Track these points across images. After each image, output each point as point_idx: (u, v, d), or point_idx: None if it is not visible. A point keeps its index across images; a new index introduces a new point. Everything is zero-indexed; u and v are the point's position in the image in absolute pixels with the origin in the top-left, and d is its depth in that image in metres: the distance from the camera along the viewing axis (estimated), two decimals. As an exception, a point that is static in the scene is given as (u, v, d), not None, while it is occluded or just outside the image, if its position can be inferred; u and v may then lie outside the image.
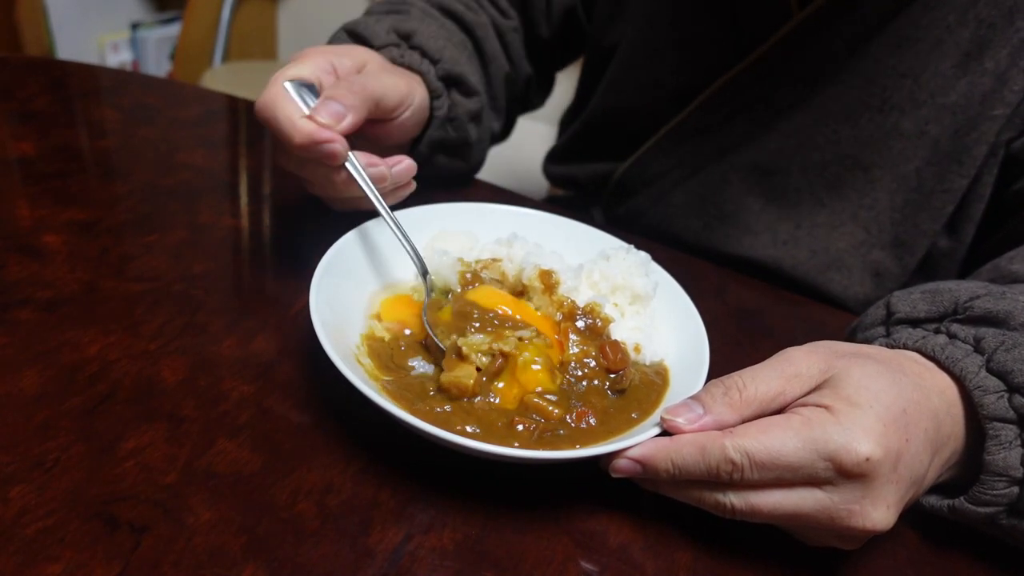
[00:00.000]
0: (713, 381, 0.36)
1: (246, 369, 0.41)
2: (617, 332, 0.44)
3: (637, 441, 0.35)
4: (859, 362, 0.34)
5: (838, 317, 0.57)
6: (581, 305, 0.44)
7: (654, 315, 0.46)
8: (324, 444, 0.37)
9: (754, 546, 0.37)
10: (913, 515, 0.39)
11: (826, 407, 0.33)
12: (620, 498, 0.37)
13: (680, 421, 0.35)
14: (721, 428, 0.34)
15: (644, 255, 0.47)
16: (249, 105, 0.72)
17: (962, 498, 0.36)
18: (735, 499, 0.34)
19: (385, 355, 0.41)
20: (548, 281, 0.44)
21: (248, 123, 0.71)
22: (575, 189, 0.80)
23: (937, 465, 0.35)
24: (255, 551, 0.32)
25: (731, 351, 0.49)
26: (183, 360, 0.40)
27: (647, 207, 0.68)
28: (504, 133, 0.76)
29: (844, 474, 0.32)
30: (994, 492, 0.35)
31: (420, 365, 0.41)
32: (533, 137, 1.25)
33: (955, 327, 0.38)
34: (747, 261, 0.62)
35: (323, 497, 0.35)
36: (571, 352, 0.41)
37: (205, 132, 0.66)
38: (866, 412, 0.32)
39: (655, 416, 0.38)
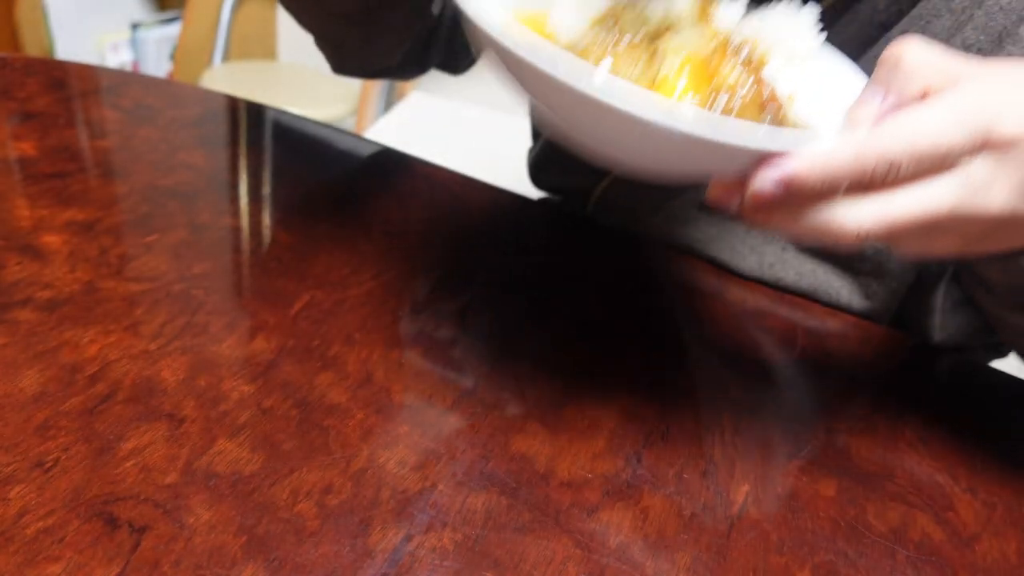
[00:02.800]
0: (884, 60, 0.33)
1: (246, 369, 0.41)
2: (773, 77, 0.38)
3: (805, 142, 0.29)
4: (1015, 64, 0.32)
5: (839, 317, 0.57)
6: (736, 38, 0.37)
7: (815, 76, 0.40)
8: (324, 444, 0.37)
9: (753, 547, 0.37)
10: (913, 515, 0.39)
11: (978, 81, 0.31)
12: (620, 498, 0.37)
13: (870, 112, 0.31)
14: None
15: (811, 13, 0.40)
16: (249, 105, 0.72)
17: None
18: (870, 210, 0.30)
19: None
20: (703, 9, 0.38)
21: (248, 123, 0.71)
22: (566, 196, 0.79)
23: None
24: (255, 551, 0.32)
25: (732, 354, 0.49)
26: (183, 360, 0.40)
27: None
28: (423, 57, 0.65)
29: (987, 147, 0.30)
30: None
31: None
32: (523, 135, 1.24)
33: None
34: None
35: (323, 497, 0.35)
36: (725, 78, 0.35)
37: (205, 132, 0.66)
38: (1020, 89, 0.30)
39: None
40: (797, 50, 0.39)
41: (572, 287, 0.54)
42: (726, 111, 0.34)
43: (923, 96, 0.32)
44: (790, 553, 0.36)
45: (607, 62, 0.35)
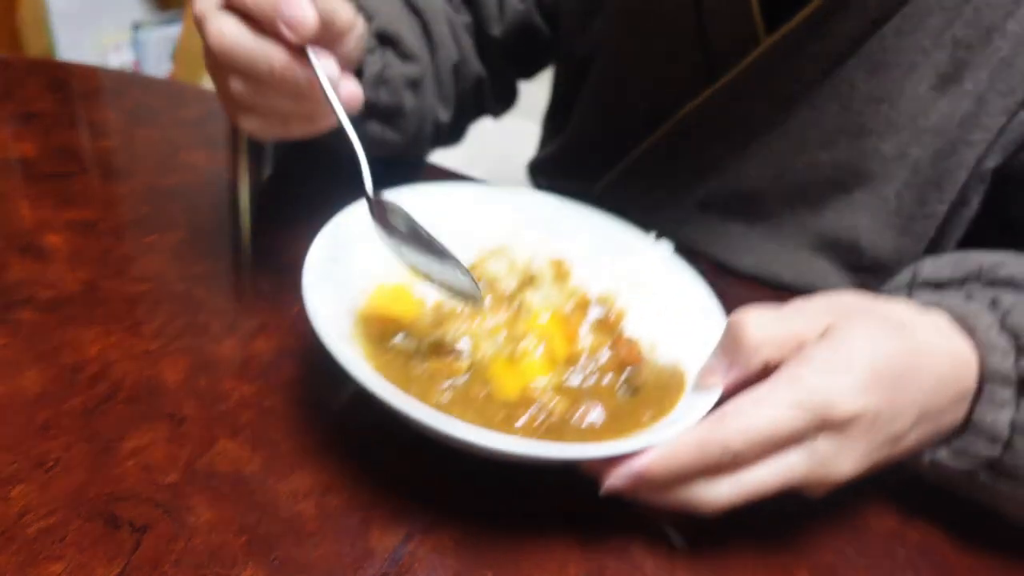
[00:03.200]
0: (721, 344, 0.36)
1: (246, 369, 0.41)
2: (632, 328, 0.42)
3: (649, 444, 0.33)
4: (864, 319, 0.34)
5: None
6: (594, 296, 0.41)
7: (673, 313, 0.44)
8: (324, 444, 0.37)
9: (753, 547, 0.37)
10: (913, 515, 0.39)
11: (814, 360, 0.33)
12: (620, 497, 0.37)
13: (719, 382, 0.35)
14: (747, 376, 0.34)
15: (667, 248, 0.45)
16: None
17: (942, 453, 0.36)
18: (727, 487, 0.33)
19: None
20: (560, 269, 0.42)
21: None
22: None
23: (926, 431, 0.35)
24: (255, 551, 0.32)
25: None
26: (184, 360, 0.41)
27: None
28: (455, 131, 0.71)
29: (826, 428, 0.32)
30: (974, 449, 0.35)
31: (401, 339, 0.39)
32: (523, 138, 1.24)
33: (975, 288, 0.38)
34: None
35: (323, 497, 0.35)
36: (582, 345, 0.39)
37: (206, 132, 0.66)
38: (854, 367, 0.32)
39: (670, 416, 0.37)
40: (657, 286, 0.43)
41: (572, 287, 0.54)
42: (586, 378, 0.38)
43: (765, 370, 0.34)
44: (790, 553, 0.37)
45: (465, 345, 0.39)
